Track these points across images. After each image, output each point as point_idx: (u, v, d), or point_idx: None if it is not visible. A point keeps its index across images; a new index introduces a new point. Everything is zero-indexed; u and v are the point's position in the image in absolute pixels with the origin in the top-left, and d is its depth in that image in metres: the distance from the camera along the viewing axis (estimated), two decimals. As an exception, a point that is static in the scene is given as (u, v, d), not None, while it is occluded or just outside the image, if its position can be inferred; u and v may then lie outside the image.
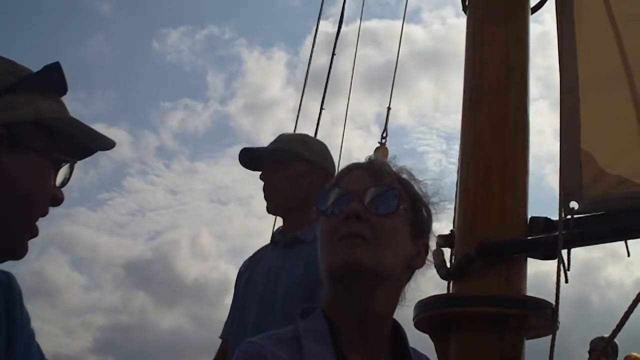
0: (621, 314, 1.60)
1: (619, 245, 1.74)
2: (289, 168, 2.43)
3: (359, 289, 1.22)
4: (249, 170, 2.56)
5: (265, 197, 2.48)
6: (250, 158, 2.53)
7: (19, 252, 1.11)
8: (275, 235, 2.53)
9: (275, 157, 2.46)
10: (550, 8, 2.08)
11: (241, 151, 2.52)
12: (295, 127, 4.06)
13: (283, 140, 2.53)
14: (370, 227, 1.22)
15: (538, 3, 2.08)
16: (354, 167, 1.34)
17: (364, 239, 1.21)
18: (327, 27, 4.59)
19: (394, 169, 1.34)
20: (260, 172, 2.53)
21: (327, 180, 2.43)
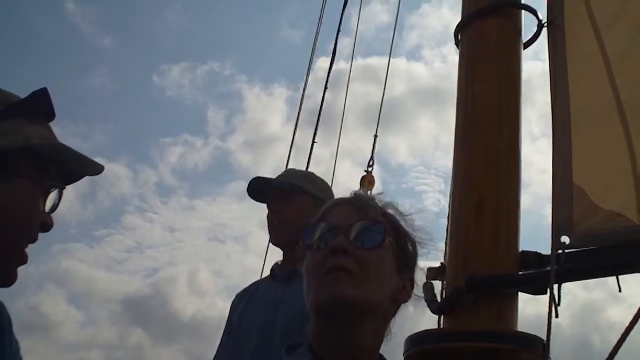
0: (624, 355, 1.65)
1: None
2: (297, 202, 2.54)
3: (345, 323, 1.25)
4: (253, 202, 2.66)
5: (271, 229, 2.58)
6: (258, 188, 2.63)
7: (8, 279, 1.13)
8: (274, 268, 2.60)
9: (285, 190, 2.57)
10: (545, 44, 2.17)
11: (253, 180, 2.63)
12: (287, 163, 4.13)
13: (291, 175, 2.66)
14: (356, 261, 1.25)
15: (530, 39, 2.16)
16: (339, 202, 1.39)
17: (350, 273, 1.24)
18: (327, 63, 4.67)
19: (379, 204, 1.38)
20: (265, 204, 2.63)
21: None
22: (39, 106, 1.15)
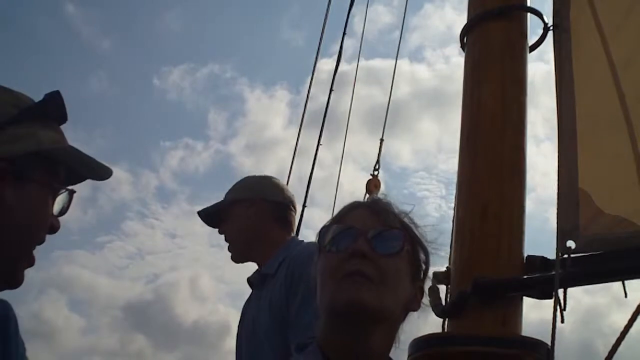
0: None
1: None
2: (231, 215, 2.65)
3: (359, 327, 1.28)
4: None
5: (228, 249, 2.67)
6: (209, 219, 2.74)
7: (15, 281, 1.17)
8: (250, 279, 2.70)
9: (217, 211, 2.68)
10: (550, 45, 2.21)
11: (198, 215, 2.74)
12: (291, 166, 4.18)
13: (228, 191, 2.73)
14: (374, 267, 1.28)
15: (535, 42, 2.20)
16: (356, 206, 1.42)
17: (368, 279, 1.27)
18: (330, 65, 4.72)
19: (396, 211, 1.41)
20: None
21: (270, 206, 2.61)
22: (52, 110, 1.19)
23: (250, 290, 2.71)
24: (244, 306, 2.72)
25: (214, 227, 2.74)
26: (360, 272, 1.27)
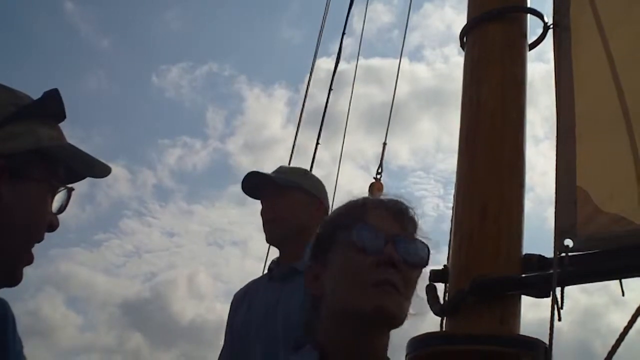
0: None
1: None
2: (289, 197, 2.61)
3: (373, 333, 1.31)
4: (252, 207, 2.76)
5: (265, 225, 2.65)
6: (253, 184, 2.69)
7: (15, 279, 1.19)
8: (271, 266, 2.66)
9: (278, 185, 2.63)
10: (549, 45, 2.21)
11: (248, 174, 2.69)
12: (289, 165, 4.19)
13: (284, 171, 2.73)
14: (402, 278, 1.31)
15: (535, 41, 2.21)
16: (379, 205, 1.41)
17: (396, 289, 1.29)
18: (329, 64, 4.74)
19: (416, 219, 1.42)
20: (259, 201, 2.70)
21: (324, 214, 2.61)
22: (50, 108, 1.20)
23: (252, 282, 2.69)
24: (250, 294, 2.69)
25: (248, 193, 2.71)
26: (390, 282, 1.29)
